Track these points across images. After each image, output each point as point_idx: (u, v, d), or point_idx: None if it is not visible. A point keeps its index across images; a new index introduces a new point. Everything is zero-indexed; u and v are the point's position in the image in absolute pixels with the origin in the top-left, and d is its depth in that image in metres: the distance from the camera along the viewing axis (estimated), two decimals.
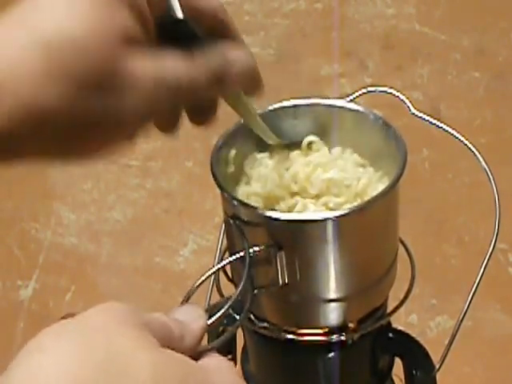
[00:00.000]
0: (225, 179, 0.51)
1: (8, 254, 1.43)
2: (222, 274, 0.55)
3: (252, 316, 0.53)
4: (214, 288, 0.57)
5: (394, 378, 0.59)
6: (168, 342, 0.37)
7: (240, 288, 0.44)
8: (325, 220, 0.47)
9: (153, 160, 1.55)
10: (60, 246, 1.43)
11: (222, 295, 0.54)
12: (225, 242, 0.56)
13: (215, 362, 0.39)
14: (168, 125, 0.45)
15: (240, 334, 0.56)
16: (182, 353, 0.37)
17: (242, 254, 0.47)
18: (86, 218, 1.48)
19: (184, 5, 0.40)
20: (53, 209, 1.49)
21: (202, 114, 0.45)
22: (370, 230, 0.50)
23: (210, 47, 0.41)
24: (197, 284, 0.45)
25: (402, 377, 0.58)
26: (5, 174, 1.55)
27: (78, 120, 0.38)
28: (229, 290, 0.53)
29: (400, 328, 0.58)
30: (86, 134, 0.39)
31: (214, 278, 0.55)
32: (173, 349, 0.37)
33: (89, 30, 0.37)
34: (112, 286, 1.36)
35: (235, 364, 0.60)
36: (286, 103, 0.55)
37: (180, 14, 0.40)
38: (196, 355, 0.39)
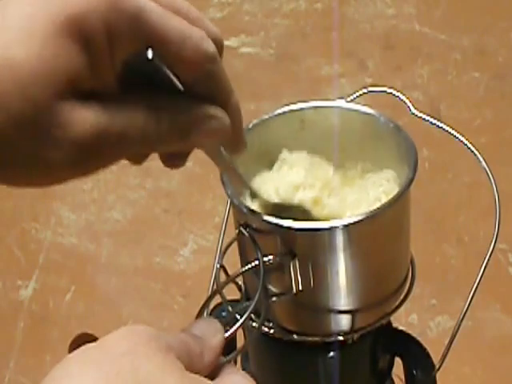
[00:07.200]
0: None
1: (8, 254, 1.43)
2: (222, 272, 0.55)
3: (253, 316, 0.53)
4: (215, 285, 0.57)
5: (394, 377, 0.59)
6: (189, 360, 0.37)
7: (256, 298, 0.44)
8: (335, 228, 0.47)
9: (153, 160, 1.55)
10: (60, 246, 1.43)
11: (222, 297, 0.54)
12: (225, 242, 0.55)
13: (238, 381, 0.39)
14: (134, 161, 0.44)
15: (240, 333, 0.56)
16: (203, 369, 0.37)
17: (256, 263, 0.46)
18: (86, 218, 1.48)
19: (165, 52, 0.36)
20: (53, 209, 1.49)
21: (170, 159, 0.44)
22: (382, 236, 0.49)
23: (182, 99, 0.37)
24: (210, 298, 0.45)
25: (402, 376, 0.57)
26: None
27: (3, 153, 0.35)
28: (230, 290, 0.53)
29: (400, 328, 0.58)
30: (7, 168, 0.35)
31: (215, 278, 0.55)
32: (194, 367, 0.37)
33: (30, 61, 0.33)
34: (112, 286, 1.36)
35: (235, 363, 0.59)
36: (292, 107, 0.54)
37: (150, 54, 0.35)
38: (215, 369, 0.39)
